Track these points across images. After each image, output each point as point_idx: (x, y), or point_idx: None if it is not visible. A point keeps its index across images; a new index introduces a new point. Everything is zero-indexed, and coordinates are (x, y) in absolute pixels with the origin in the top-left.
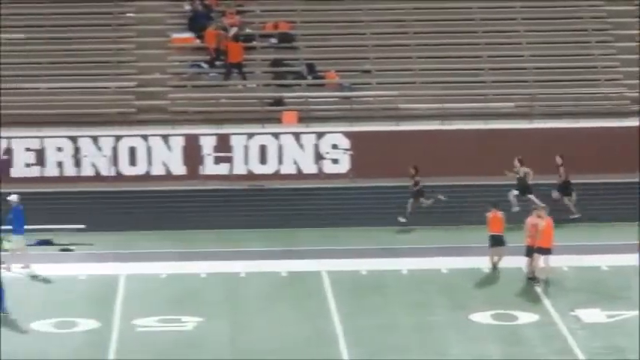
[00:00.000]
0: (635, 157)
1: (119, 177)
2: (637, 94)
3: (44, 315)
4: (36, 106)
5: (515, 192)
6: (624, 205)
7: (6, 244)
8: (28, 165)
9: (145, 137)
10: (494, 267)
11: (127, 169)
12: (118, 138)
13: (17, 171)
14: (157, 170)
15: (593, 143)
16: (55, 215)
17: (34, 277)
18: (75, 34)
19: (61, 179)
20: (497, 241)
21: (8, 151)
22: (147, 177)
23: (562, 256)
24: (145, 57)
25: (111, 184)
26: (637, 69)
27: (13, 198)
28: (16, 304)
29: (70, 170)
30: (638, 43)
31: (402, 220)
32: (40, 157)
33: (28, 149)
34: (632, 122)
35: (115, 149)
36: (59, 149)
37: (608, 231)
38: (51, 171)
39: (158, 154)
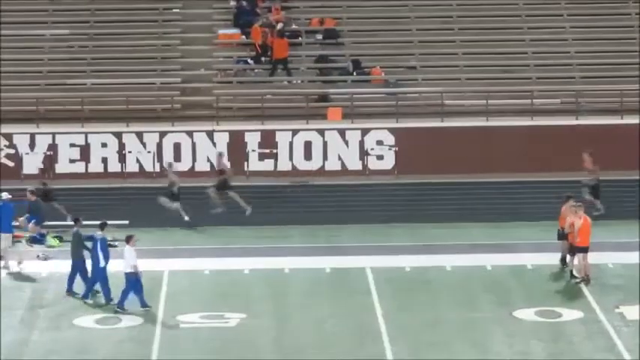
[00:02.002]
0: None
1: (162, 173)
2: None
3: (87, 311)
4: (81, 102)
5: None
6: None
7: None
8: (72, 161)
9: (189, 133)
10: (563, 260)
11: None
12: (163, 134)
13: (62, 167)
14: (202, 166)
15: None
16: (99, 211)
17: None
18: (120, 30)
19: (106, 175)
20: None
21: (53, 146)
22: (191, 173)
23: (605, 253)
24: (191, 53)
25: (155, 179)
26: None
27: (5, 195)
28: (58, 299)
29: (114, 166)
30: None
31: None
32: (85, 153)
33: (72, 145)
34: None
35: (159, 145)
36: (104, 145)
37: None
38: (95, 167)
39: (203, 150)
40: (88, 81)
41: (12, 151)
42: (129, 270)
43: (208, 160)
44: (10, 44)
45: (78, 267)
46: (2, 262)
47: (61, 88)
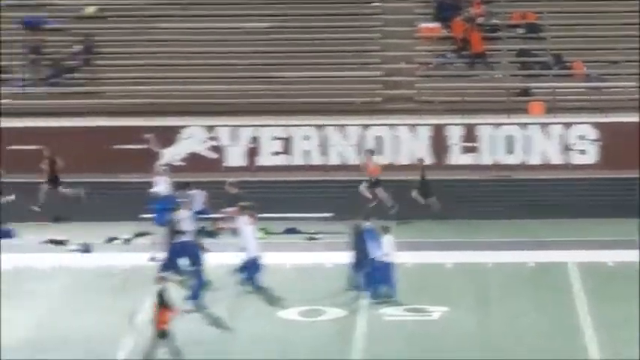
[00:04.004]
0: None
1: (362, 166)
2: None
3: (290, 303)
4: (283, 95)
5: None
6: None
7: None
8: (274, 154)
9: (391, 126)
10: None
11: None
12: (365, 127)
13: (264, 159)
14: (403, 159)
15: None
16: (302, 204)
17: None
18: (321, 22)
19: (307, 168)
20: None
21: (255, 139)
22: (391, 167)
23: None
24: (391, 46)
25: (357, 172)
26: None
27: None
28: (262, 292)
29: (316, 159)
30: None
31: None
32: (287, 146)
33: (275, 138)
34: None
35: (361, 138)
36: (306, 138)
37: None
38: (297, 160)
39: (404, 143)
40: (289, 74)
41: (215, 143)
42: (383, 259)
43: (410, 152)
44: (213, 37)
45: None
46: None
47: (263, 81)
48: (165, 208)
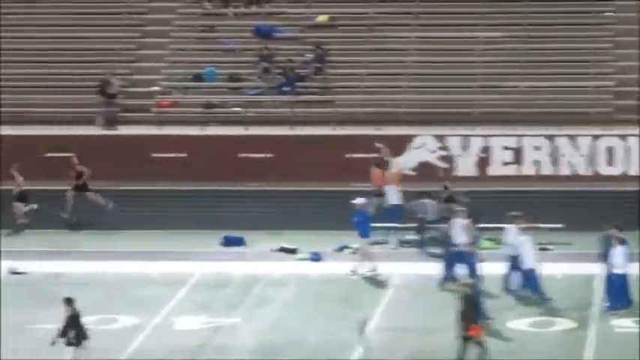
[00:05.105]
0: None
1: (596, 176)
2: None
3: (522, 314)
4: (514, 105)
5: None
6: None
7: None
8: (505, 163)
9: (622, 137)
10: None
11: (604, 169)
12: (595, 137)
13: (494, 169)
14: (634, 170)
15: None
16: (532, 214)
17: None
18: (553, 32)
19: (538, 178)
20: None
21: (486, 149)
22: (624, 177)
23: None
24: (624, 56)
25: (588, 183)
26: None
27: (359, 201)
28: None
29: (546, 169)
30: None
31: None
32: (518, 156)
33: (505, 148)
34: None
35: (591, 149)
36: (536, 148)
37: None
38: (528, 169)
39: (636, 154)
40: (521, 84)
41: (445, 152)
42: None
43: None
44: (444, 46)
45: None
46: (367, 265)
47: (494, 91)
48: (367, 220)
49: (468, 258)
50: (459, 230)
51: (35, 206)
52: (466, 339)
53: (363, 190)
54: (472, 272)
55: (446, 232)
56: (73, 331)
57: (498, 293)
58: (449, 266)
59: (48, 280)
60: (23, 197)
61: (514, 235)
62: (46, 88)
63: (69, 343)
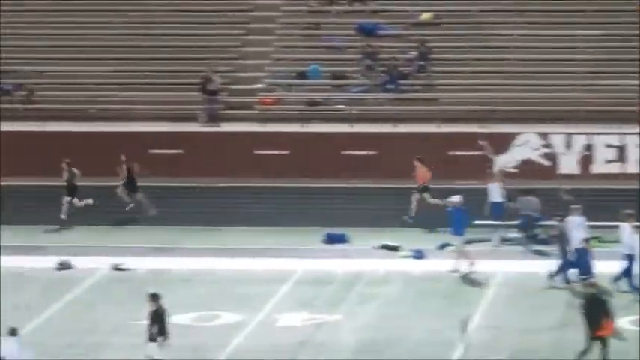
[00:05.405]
0: None
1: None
2: None
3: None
4: (617, 103)
5: None
6: None
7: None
8: (608, 162)
9: None
10: None
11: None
12: None
13: (597, 167)
14: None
15: None
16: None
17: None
18: None
19: None
20: None
21: (589, 147)
22: None
23: None
24: None
25: None
26: None
27: (455, 199)
28: None
29: None
30: None
31: None
32: (621, 154)
33: (609, 146)
34: None
35: None
36: (637, 146)
37: None
38: (631, 168)
39: None
40: (622, 82)
41: (548, 150)
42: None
43: None
44: (548, 44)
45: None
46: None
47: (595, 89)
48: (462, 217)
49: (583, 256)
50: (575, 228)
51: (90, 201)
52: (594, 339)
53: (463, 188)
54: (587, 270)
55: (561, 229)
56: (156, 326)
57: (612, 292)
58: (564, 264)
59: (151, 276)
60: (71, 191)
61: (629, 233)
62: (149, 85)
63: (151, 339)
